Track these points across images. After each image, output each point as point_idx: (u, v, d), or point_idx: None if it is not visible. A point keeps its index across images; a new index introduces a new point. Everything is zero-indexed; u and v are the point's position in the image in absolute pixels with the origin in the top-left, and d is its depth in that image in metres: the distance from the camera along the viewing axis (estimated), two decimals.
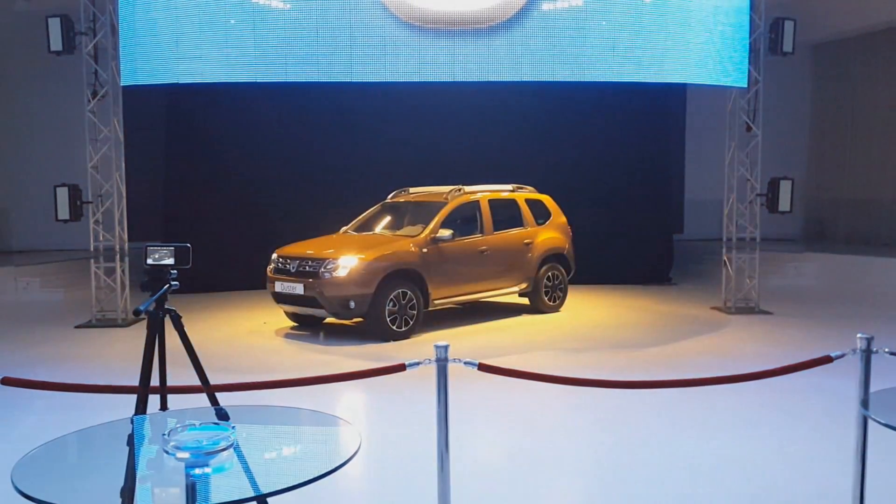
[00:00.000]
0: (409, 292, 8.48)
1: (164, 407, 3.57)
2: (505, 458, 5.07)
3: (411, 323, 8.51)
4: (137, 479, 2.57)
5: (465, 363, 3.65)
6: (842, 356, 3.74)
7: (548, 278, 10.02)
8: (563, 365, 7.28)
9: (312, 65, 9.17)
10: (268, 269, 8.90)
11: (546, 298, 10.03)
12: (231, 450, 2.48)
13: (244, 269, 11.31)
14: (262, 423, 3.23)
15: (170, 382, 3.61)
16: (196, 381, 3.59)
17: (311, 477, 2.35)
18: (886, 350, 3.62)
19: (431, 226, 8.88)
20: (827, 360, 3.78)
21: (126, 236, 9.55)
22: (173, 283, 3.46)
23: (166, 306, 3.47)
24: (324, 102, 11.82)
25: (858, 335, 3.58)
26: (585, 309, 10.40)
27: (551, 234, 10.12)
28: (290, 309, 8.95)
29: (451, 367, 3.48)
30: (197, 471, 2.42)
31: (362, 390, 6.29)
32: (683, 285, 12.52)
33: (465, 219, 9.34)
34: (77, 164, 9.96)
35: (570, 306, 10.35)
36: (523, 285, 9.80)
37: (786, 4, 10.68)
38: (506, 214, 9.79)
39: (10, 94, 12.91)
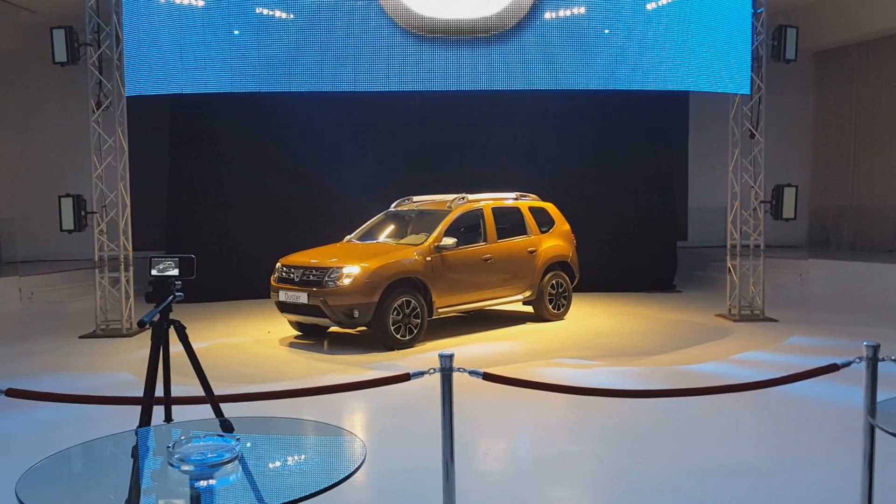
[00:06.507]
0: (413, 301, 8.47)
1: (168, 418, 3.57)
2: (511, 468, 5.05)
3: (415, 332, 8.49)
4: (142, 492, 2.57)
5: (471, 373, 3.63)
6: (848, 364, 3.73)
7: (552, 286, 10.01)
8: (568, 373, 7.26)
9: (316, 74, 9.22)
10: (272, 279, 8.89)
11: (550, 306, 10.01)
12: (236, 462, 2.48)
13: (248, 278, 11.35)
14: (267, 434, 3.23)
15: (174, 393, 3.62)
16: (200, 392, 3.59)
17: (317, 489, 2.35)
18: (893, 358, 3.60)
19: (435, 234, 8.87)
20: (833, 368, 3.76)
21: (130, 246, 9.56)
22: (178, 293, 3.47)
23: (170, 317, 3.47)
24: (327, 112, 11.86)
25: (864, 343, 3.55)
26: (589, 317, 10.38)
27: (555, 242, 10.12)
28: (294, 318, 8.94)
29: (455, 376, 3.46)
30: (202, 483, 2.42)
31: (367, 400, 6.27)
32: (688, 292, 12.50)
33: (468, 227, 9.34)
34: (82, 174, 9.99)
35: (575, 314, 10.33)
36: (527, 293, 9.78)
37: (788, 12, 10.71)
38: (509, 223, 9.79)
39: (15, 105, 12.96)
